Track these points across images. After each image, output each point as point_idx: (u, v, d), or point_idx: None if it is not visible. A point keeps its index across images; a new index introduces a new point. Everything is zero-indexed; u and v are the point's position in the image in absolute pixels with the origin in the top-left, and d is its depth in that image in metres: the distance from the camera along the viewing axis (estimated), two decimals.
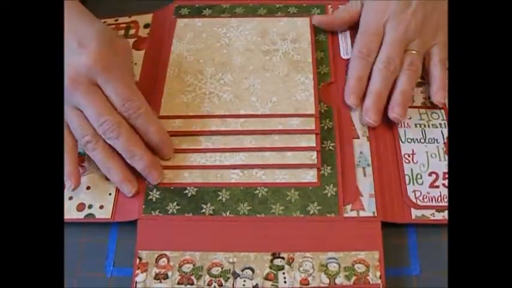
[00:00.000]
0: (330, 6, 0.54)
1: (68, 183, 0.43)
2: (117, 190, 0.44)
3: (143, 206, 0.43)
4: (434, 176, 0.44)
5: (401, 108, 0.46)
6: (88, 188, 0.44)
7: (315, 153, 0.44)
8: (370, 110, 0.46)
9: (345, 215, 0.42)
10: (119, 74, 0.43)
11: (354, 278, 0.39)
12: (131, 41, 0.53)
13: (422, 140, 0.46)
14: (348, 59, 0.50)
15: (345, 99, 0.48)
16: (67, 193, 0.44)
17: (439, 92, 0.47)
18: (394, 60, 0.47)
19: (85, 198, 0.44)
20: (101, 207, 0.43)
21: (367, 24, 0.49)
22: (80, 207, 0.43)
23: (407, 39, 0.48)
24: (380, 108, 0.46)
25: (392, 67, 0.47)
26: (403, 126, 0.47)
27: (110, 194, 0.44)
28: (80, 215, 0.43)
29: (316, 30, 0.52)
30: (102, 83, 0.42)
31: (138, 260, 0.40)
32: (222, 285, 0.39)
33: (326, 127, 0.46)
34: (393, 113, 0.46)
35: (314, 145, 0.45)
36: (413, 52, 0.48)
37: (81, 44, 0.43)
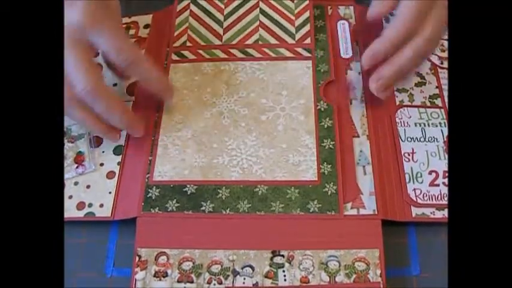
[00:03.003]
0: (329, 7, 0.55)
1: (110, 138, 0.45)
2: (117, 189, 0.44)
3: (142, 204, 0.43)
4: (434, 174, 0.44)
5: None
6: (88, 186, 0.44)
7: (314, 152, 0.45)
8: (379, 84, 0.45)
9: (345, 213, 0.42)
10: (110, 26, 0.42)
11: (354, 276, 0.39)
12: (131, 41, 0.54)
13: (422, 139, 0.46)
14: (348, 59, 0.50)
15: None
16: (67, 192, 0.44)
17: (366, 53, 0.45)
18: (436, 40, 0.45)
19: (85, 197, 0.44)
20: (101, 205, 0.43)
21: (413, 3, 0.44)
22: (80, 205, 0.43)
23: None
24: (389, 85, 0.45)
25: (429, 48, 0.45)
26: (403, 125, 0.47)
27: (109, 193, 0.44)
28: (80, 214, 0.43)
29: (316, 30, 0.52)
30: (94, 37, 0.42)
31: (137, 258, 0.40)
32: (221, 283, 0.39)
33: (326, 125, 0.46)
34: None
35: (314, 143, 0.45)
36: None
37: (70, 2, 0.41)
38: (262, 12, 0.54)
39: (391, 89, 0.47)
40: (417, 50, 0.44)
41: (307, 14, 0.53)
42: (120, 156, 0.46)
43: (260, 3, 0.54)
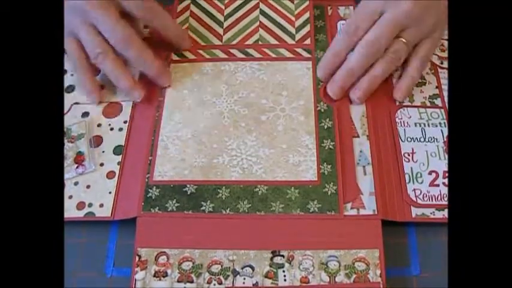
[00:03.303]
0: (329, 7, 0.55)
1: (91, 99, 0.48)
2: (117, 188, 0.44)
3: (142, 204, 0.43)
4: (434, 174, 0.44)
5: (363, 93, 0.47)
6: (88, 186, 0.44)
7: (314, 152, 0.45)
8: (335, 84, 0.47)
9: (345, 213, 0.42)
10: None
11: (354, 276, 0.39)
12: None
13: (422, 139, 0.46)
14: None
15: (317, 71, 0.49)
16: (67, 192, 0.44)
17: (401, 91, 0.47)
18: (379, 42, 0.46)
19: (85, 197, 0.44)
20: (101, 205, 0.43)
21: (367, 2, 0.47)
22: (80, 205, 0.43)
23: (402, 24, 0.46)
24: (346, 85, 0.47)
25: (375, 48, 0.46)
26: (403, 125, 0.47)
27: (109, 193, 0.44)
28: (80, 214, 0.43)
29: (316, 30, 0.53)
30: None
31: (137, 258, 0.40)
32: (221, 283, 0.39)
33: (326, 126, 0.46)
34: (353, 95, 0.47)
35: (314, 144, 0.45)
36: (403, 41, 0.46)
37: None
38: (263, 13, 0.54)
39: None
40: (387, 63, 0.47)
41: (307, 15, 0.53)
42: (120, 156, 0.46)
43: (260, 4, 0.55)
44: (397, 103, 0.48)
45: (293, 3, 0.54)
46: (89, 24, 0.47)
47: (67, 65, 0.52)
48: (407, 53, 0.47)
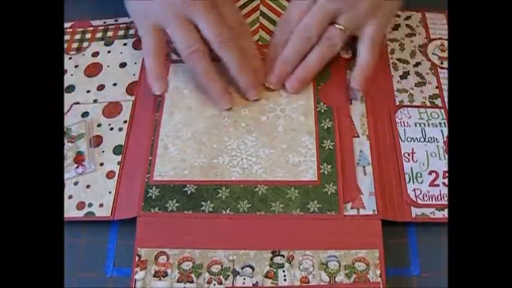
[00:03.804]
0: None
1: (157, 86, 0.47)
2: (117, 188, 0.44)
3: (142, 204, 0.42)
4: (434, 174, 0.44)
5: (297, 82, 0.47)
6: (88, 186, 0.44)
7: (314, 152, 0.45)
8: (273, 75, 0.47)
9: (345, 213, 0.42)
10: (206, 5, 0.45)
11: (354, 276, 0.39)
12: (131, 41, 0.54)
13: (422, 139, 0.46)
14: (348, 59, 0.50)
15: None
16: (67, 192, 0.44)
17: (358, 78, 0.47)
18: (310, 29, 0.46)
19: (85, 197, 0.44)
20: (101, 205, 0.43)
21: None
22: (80, 205, 0.43)
23: (334, 10, 0.45)
24: (282, 74, 0.47)
25: (305, 35, 0.46)
26: (403, 125, 0.47)
27: (109, 193, 0.44)
28: (80, 214, 0.43)
29: None
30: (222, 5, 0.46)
31: (137, 258, 0.40)
32: (221, 283, 0.39)
33: (326, 126, 0.46)
34: (287, 84, 0.47)
35: (314, 144, 0.45)
36: (338, 27, 0.46)
37: None
38: (263, 14, 0.54)
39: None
40: (321, 51, 0.47)
41: None
42: (120, 156, 0.46)
43: (260, 5, 0.55)
44: (397, 103, 0.48)
45: None
46: (184, 18, 0.45)
47: (66, 65, 0.52)
48: (343, 39, 0.47)
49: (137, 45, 0.53)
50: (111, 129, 0.48)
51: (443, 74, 0.50)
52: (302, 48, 0.46)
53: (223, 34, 0.45)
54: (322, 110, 0.47)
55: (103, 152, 0.46)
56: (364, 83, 0.47)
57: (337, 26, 0.46)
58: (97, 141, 0.47)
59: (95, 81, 0.51)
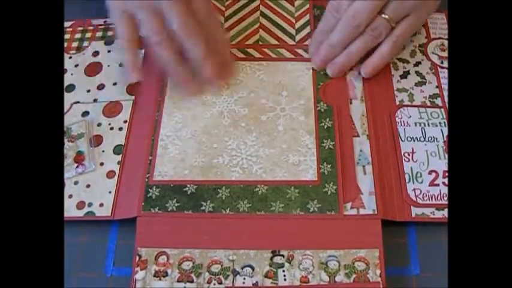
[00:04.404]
0: None
1: (133, 76, 0.48)
2: (117, 188, 0.44)
3: (142, 203, 0.43)
4: (434, 174, 0.44)
5: (337, 68, 0.48)
6: (88, 186, 0.44)
7: (314, 152, 0.45)
8: (317, 57, 0.49)
9: (345, 213, 0.42)
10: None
11: (354, 276, 0.39)
12: None
13: (422, 139, 0.46)
14: None
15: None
16: (67, 191, 0.44)
17: (370, 67, 0.48)
18: (359, 16, 0.46)
19: (85, 196, 0.44)
20: (101, 205, 0.43)
21: None
22: (80, 205, 0.43)
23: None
24: (327, 58, 0.48)
25: (355, 23, 0.46)
26: (403, 125, 0.47)
27: (109, 192, 0.44)
28: (80, 213, 0.43)
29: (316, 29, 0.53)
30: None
31: (137, 258, 0.40)
32: (221, 283, 0.39)
33: (326, 126, 0.46)
34: (329, 69, 0.49)
35: (314, 143, 0.45)
36: (384, 17, 0.46)
37: None
38: (263, 14, 0.54)
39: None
40: (365, 41, 0.47)
41: (307, 17, 0.54)
42: (120, 155, 0.46)
43: (261, 6, 0.55)
44: (397, 102, 0.48)
45: (293, 5, 0.55)
46: (151, 5, 0.45)
47: (66, 64, 0.52)
48: (388, 30, 0.47)
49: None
50: (111, 128, 0.48)
51: (444, 74, 0.50)
52: (350, 36, 0.47)
53: (188, 24, 0.45)
54: (322, 110, 0.47)
55: (103, 151, 0.46)
56: (372, 74, 0.48)
57: (383, 16, 0.46)
58: (97, 140, 0.47)
59: (95, 80, 0.51)
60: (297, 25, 0.53)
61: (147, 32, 0.46)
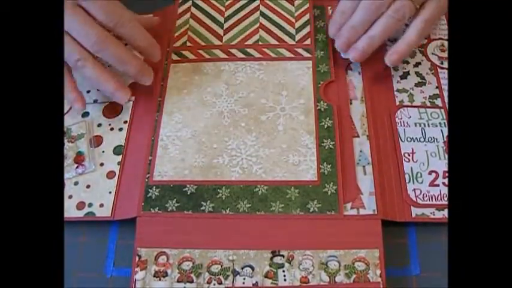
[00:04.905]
0: (329, 7, 0.55)
1: (76, 107, 0.46)
2: (117, 188, 0.44)
3: (142, 204, 0.43)
4: (434, 174, 0.44)
5: (359, 53, 0.47)
6: (88, 186, 0.44)
7: (314, 152, 0.45)
8: (340, 39, 0.48)
9: (345, 213, 0.42)
10: None
11: (354, 276, 0.39)
12: None
13: (422, 139, 0.46)
14: (348, 59, 0.50)
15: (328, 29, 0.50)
16: (67, 192, 0.44)
17: (395, 55, 0.47)
18: None
19: (85, 197, 0.44)
20: (101, 205, 0.43)
21: None
22: (80, 205, 0.43)
23: None
24: (351, 40, 0.47)
25: (376, 4, 0.45)
26: (403, 125, 0.47)
27: (110, 193, 0.44)
28: (80, 214, 0.43)
29: (316, 30, 0.53)
30: (84, 1, 0.44)
31: (137, 258, 0.40)
32: (221, 283, 0.39)
33: (326, 126, 0.46)
34: (350, 54, 0.48)
35: (314, 143, 0.45)
36: None
37: None
38: (263, 14, 0.54)
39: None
40: (387, 23, 0.46)
41: (307, 17, 0.54)
42: (120, 156, 0.46)
43: (260, 6, 0.55)
44: (397, 103, 0.48)
45: (293, 5, 0.55)
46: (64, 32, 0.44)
47: None
48: (411, 12, 0.46)
49: None
50: (112, 129, 0.48)
51: (443, 74, 0.50)
52: (372, 16, 0.46)
53: (90, 38, 0.44)
54: (322, 109, 0.47)
55: (103, 152, 0.46)
56: (398, 62, 0.47)
57: None
58: (97, 141, 0.47)
59: None
60: (297, 24, 0.53)
61: (65, 59, 0.45)
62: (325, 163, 0.44)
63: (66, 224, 0.41)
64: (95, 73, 0.45)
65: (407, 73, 0.50)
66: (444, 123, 0.47)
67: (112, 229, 0.43)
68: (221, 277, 0.40)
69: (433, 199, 0.43)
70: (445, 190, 0.43)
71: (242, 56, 0.51)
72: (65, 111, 0.49)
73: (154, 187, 0.43)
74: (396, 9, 0.45)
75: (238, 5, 0.55)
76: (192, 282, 0.39)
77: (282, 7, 0.54)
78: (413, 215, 0.42)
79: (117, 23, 0.44)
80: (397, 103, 0.48)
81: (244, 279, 0.40)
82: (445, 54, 0.51)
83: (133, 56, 0.46)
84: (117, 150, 0.46)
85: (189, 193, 0.43)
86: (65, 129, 0.48)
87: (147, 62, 0.48)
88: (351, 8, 0.47)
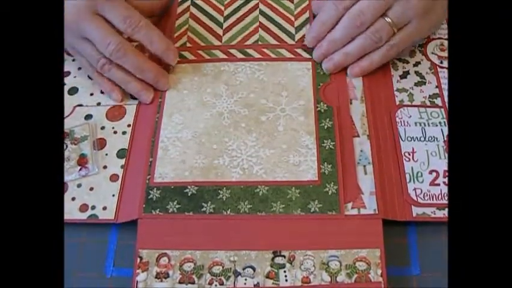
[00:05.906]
0: None
1: (114, 96, 0.49)
2: (120, 191, 0.44)
3: (143, 205, 0.43)
4: (434, 174, 0.44)
5: (333, 66, 0.48)
6: (91, 189, 0.44)
7: (315, 152, 0.45)
8: (319, 50, 0.49)
9: (346, 213, 0.42)
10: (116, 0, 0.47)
11: (355, 276, 0.39)
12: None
13: (422, 139, 0.46)
14: None
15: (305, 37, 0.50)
16: (70, 194, 0.44)
17: (357, 69, 0.48)
18: (364, 15, 0.46)
19: (88, 199, 0.44)
20: (104, 208, 0.43)
21: None
22: (83, 208, 0.44)
23: (388, 1, 0.46)
24: (328, 53, 0.48)
25: (359, 22, 0.46)
26: (403, 124, 0.47)
27: (113, 196, 0.44)
28: (83, 216, 0.43)
29: None
30: (102, 10, 0.46)
31: (138, 260, 0.40)
32: (223, 283, 0.39)
33: (326, 126, 0.46)
34: (324, 64, 0.49)
35: (314, 144, 0.45)
36: (387, 20, 0.46)
37: None
38: (262, 13, 0.54)
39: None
40: (364, 43, 0.48)
41: (306, 15, 0.53)
42: (124, 159, 0.46)
43: (260, 4, 0.55)
44: (397, 102, 0.48)
45: (293, 3, 0.55)
46: (83, 38, 0.47)
47: (69, 67, 0.52)
48: (389, 35, 0.47)
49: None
50: (115, 132, 0.48)
51: (443, 74, 0.50)
52: (352, 33, 0.47)
53: (110, 46, 0.46)
54: (322, 110, 0.47)
55: (106, 154, 0.46)
56: (359, 76, 0.49)
57: (386, 19, 0.46)
58: (101, 144, 0.47)
59: None
60: (296, 23, 0.53)
61: (92, 63, 0.48)
62: (325, 163, 0.44)
63: (66, 224, 0.41)
64: (122, 74, 0.48)
65: (407, 72, 0.50)
66: (444, 122, 0.47)
67: (112, 229, 0.43)
68: (222, 278, 0.40)
69: (434, 198, 0.43)
70: (445, 189, 0.43)
71: (242, 56, 0.51)
72: (68, 113, 0.49)
73: (155, 189, 0.44)
74: (375, 30, 0.46)
75: (236, 4, 0.55)
76: (193, 283, 0.40)
77: (281, 5, 0.54)
78: (414, 215, 0.42)
79: (135, 28, 0.46)
80: (397, 103, 0.48)
81: (245, 280, 0.40)
82: (445, 54, 0.51)
83: (150, 63, 0.48)
84: (120, 154, 0.46)
85: (189, 194, 0.43)
86: (68, 131, 0.48)
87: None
88: (331, 20, 0.48)
